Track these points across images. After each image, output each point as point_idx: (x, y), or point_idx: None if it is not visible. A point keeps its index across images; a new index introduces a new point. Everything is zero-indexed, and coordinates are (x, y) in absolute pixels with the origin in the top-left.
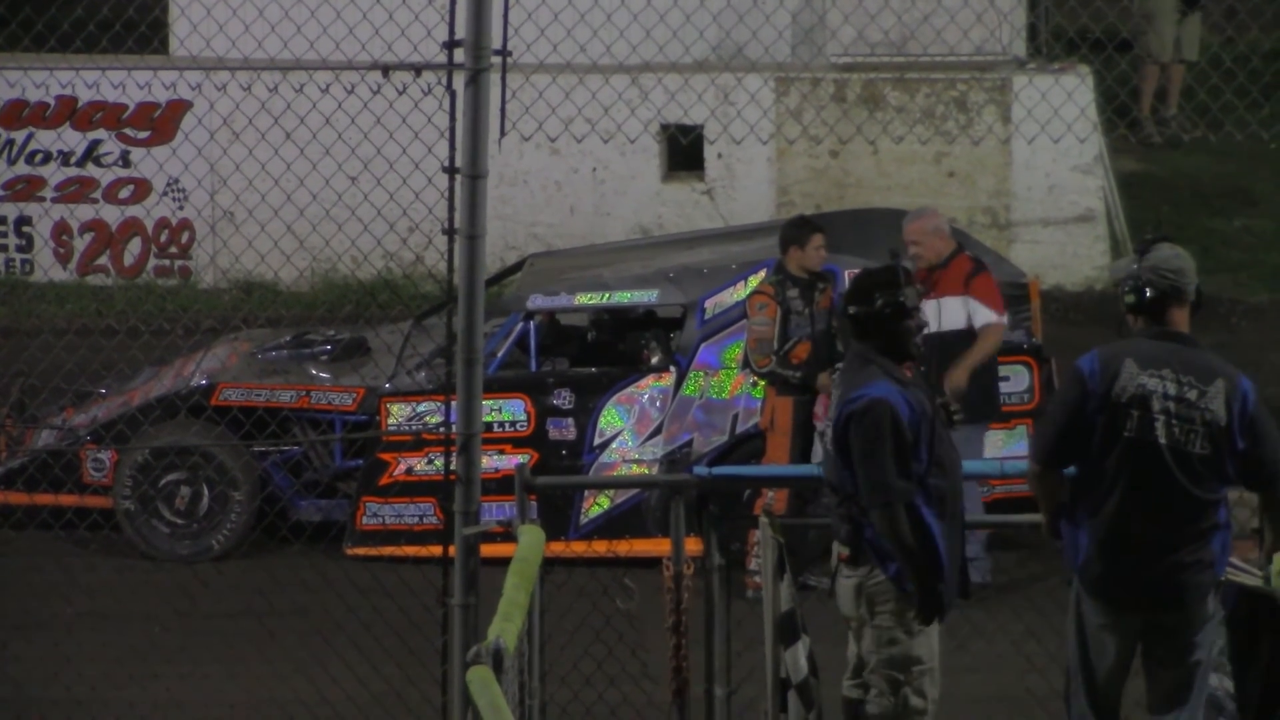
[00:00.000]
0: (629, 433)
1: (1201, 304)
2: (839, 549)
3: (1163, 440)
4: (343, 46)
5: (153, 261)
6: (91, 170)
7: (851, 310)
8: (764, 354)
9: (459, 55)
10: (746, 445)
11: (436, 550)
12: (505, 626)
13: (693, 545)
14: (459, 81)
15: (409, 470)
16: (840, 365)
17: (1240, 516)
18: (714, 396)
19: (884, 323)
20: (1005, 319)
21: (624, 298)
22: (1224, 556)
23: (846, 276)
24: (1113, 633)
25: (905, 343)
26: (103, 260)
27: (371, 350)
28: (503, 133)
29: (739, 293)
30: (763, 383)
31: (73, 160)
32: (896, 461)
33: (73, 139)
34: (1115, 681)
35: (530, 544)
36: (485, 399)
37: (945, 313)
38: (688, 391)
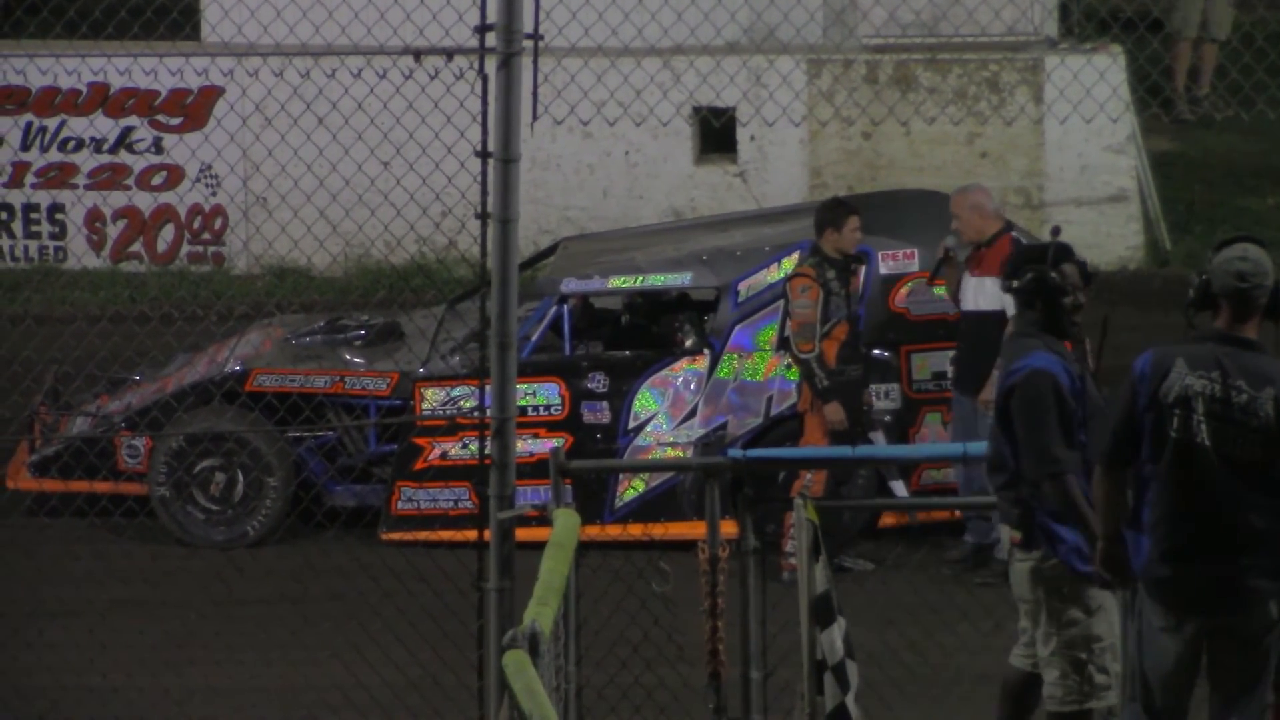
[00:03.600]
0: (663, 416)
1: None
2: (1011, 532)
3: (1208, 442)
4: (374, 31)
5: (186, 248)
6: (124, 157)
7: (1005, 284)
8: (807, 338)
9: (491, 39)
10: (781, 427)
11: (471, 535)
12: (541, 610)
13: (728, 528)
14: (491, 66)
15: (443, 455)
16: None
17: None
18: (748, 379)
19: (1033, 298)
20: None
21: (657, 281)
22: None
23: (880, 258)
24: (1173, 636)
25: (1059, 320)
26: (136, 247)
27: (405, 335)
28: (535, 116)
29: (773, 275)
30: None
31: (105, 147)
32: (1061, 431)
33: (105, 126)
34: (1175, 689)
35: (565, 528)
36: (519, 383)
37: (983, 293)
38: (722, 374)
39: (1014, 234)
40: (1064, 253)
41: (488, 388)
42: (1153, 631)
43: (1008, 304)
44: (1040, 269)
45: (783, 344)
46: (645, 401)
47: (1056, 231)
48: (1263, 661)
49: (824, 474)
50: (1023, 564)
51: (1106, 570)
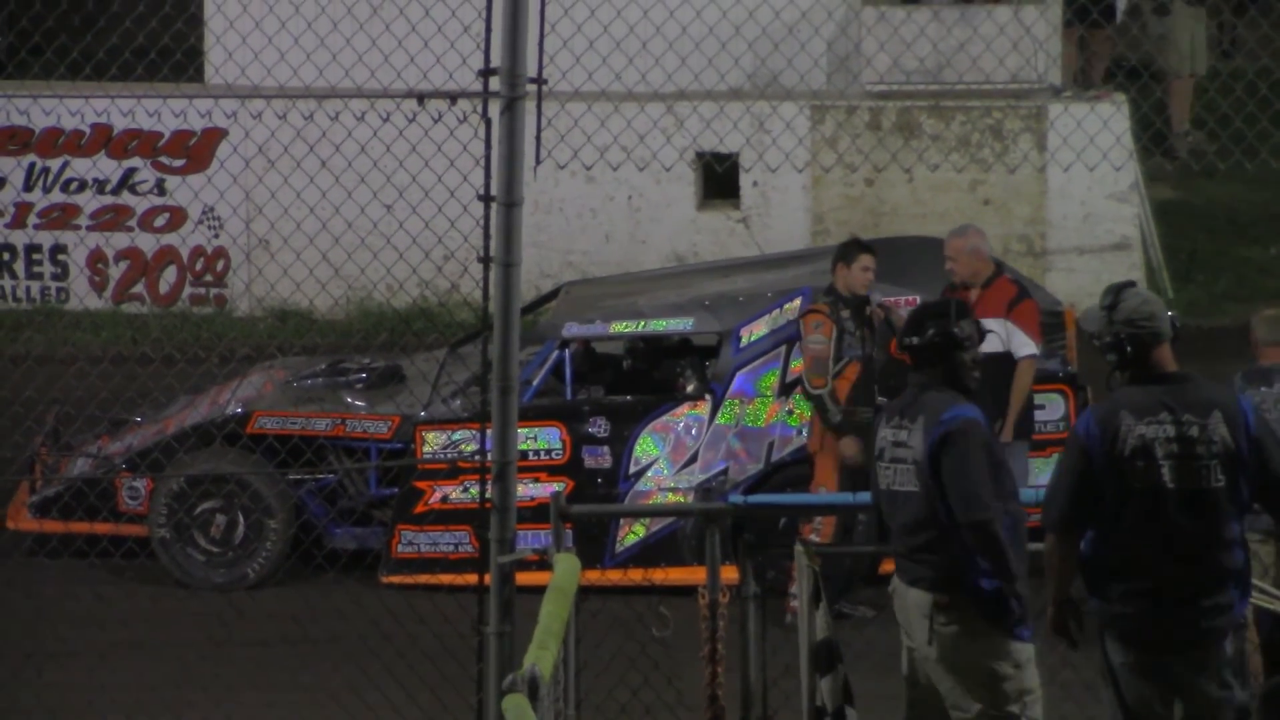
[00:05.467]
0: (664, 461)
1: (1179, 334)
2: (935, 596)
3: (1172, 485)
4: (378, 74)
5: (188, 289)
6: (127, 198)
7: (907, 340)
8: (820, 373)
9: (494, 83)
10: (782, 473)
11: (472, 578)
12: (541, 654)
13: (728, 573)
14: (494, 109)
15: (444, 498)
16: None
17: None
18: (749, 424)
19: (937, 353)
20: (1040, 350)
21: (659, 326)
22: (1243, 601)
23: (882, 304)
24: (1135, 671)
25: (962, 375)
26: (138, 288)
27: (407, 378)
28: (538, 160)
29: (774, 321)
30: (803, 407)
31: (108, 188)
32: (990, 481)
33: (108, 167)
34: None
35: (565, 572)
36: (520, 427)
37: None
38: (723, 420)
39: (1007, 275)
40: (963, 310)
41: (489, 431)
42: (1118, 667)
43: (1013, 343)
44: (944, 324)
45: (786, 389)
46: (646, 446)
47: (953, 286)
48: (1215, 693)
49: (834, 518)
50: (949, 629)
51: (1057, 634)
